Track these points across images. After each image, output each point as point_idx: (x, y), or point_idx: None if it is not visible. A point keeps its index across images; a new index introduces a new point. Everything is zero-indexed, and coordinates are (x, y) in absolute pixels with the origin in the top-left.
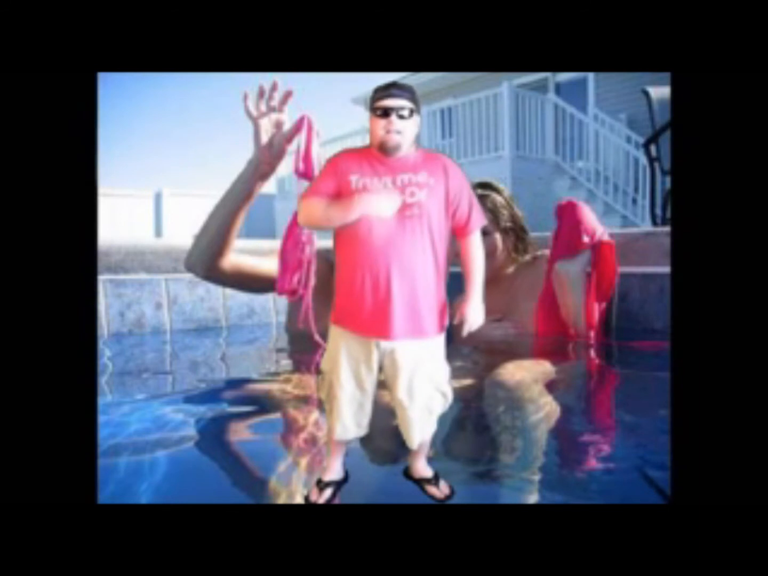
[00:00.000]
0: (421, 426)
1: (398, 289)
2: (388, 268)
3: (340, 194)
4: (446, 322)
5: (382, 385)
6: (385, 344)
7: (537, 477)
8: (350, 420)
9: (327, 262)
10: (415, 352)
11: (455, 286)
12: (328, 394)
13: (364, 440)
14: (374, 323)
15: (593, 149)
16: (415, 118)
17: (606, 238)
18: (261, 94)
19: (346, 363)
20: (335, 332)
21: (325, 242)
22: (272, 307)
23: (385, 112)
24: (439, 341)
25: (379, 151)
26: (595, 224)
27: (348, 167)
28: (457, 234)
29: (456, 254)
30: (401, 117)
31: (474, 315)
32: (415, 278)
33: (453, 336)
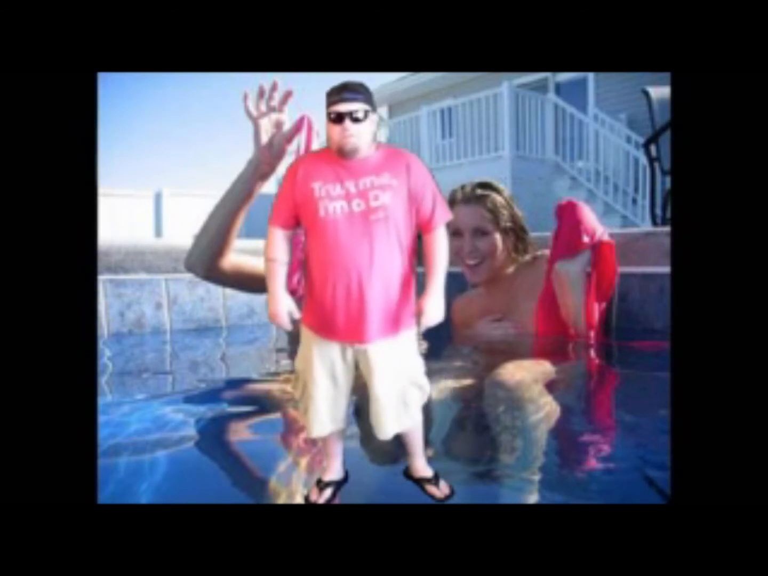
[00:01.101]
0: (393, 418)
1: (371, 294)
2: (359, 274)
3: (304, 204)
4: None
5: None
6: (358, 345)
7: (537, 477)
8: (326, 416)
9: None
10: (387, 349)
11: (455, 285)
12: (302, 393)
13: (364, 440)
14: (348, 329)
15: (593, 149)
16: (371, 118)
17: (606, 238)
18: (261, 94)
19: (320, 362)
20: (307, 333)
21: None
22: None
23: (339, 117)
24: (410, 335)
25: (338, 155)
26: (595, 224)
27: (309, 174)
28: (421, 229)
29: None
30: (356, 120)
31: (432, 310)
32: (386, 281)
33: (453, 336)
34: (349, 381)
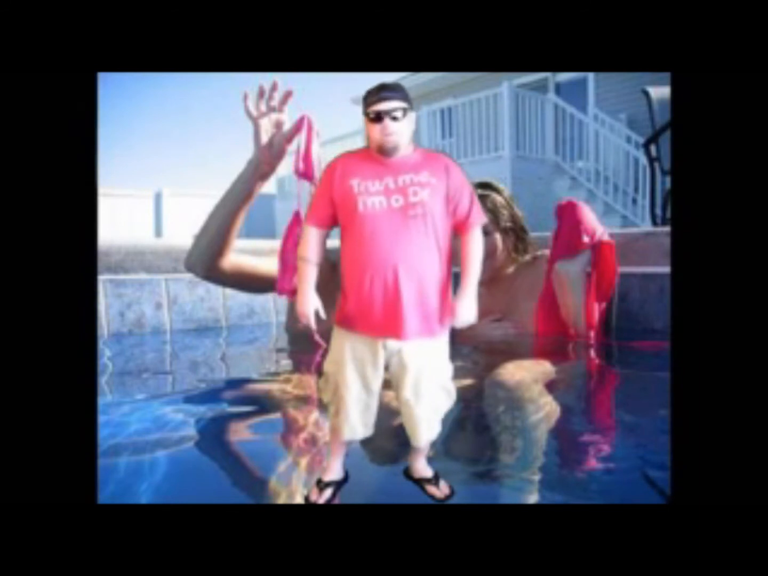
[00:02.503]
0: (428, 424)
1: (407, 289)
2: (395, 268)
3: (343, 201)
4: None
5: (383, 384)
6: (392, 344)
7: (537, 477)
8: (358, 421)
9: (328, 261)
10: (422, 351)
11: (455, 285)
12: (333, 395)
13: (364, 440)
14: (385, 324)
15: (593, 149)
16: (410, 117)
17: (606, 238)
18: (261, 94)
19: (352, 364)
20: (340, 333)
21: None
22: (272, 307)
23: (378, 116)
24: (445, 339)
25: (378, 153)
26: (595, 224)
27: (347, 172)
28: (458, 230)
29: (455, 252)
30: (395, 119)
31: (465, 311)
32: (422, 278)
33: (453, 336)
34: (379, 386)
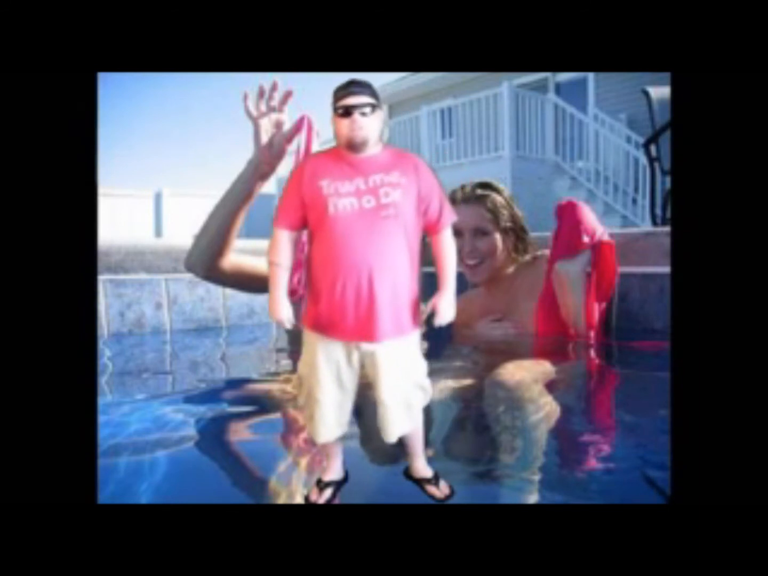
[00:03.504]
0: (400, 421)
1: (381, 291)
2: (370, 271)
3: (312, 202)
4: (421, 317)
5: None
6: (366, 345)
7: (537, 477)
8: (333, 421)
9: None
10: (395, 351)
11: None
12: (307, 398)
13: (364, 440)
14: (358, 328)
15: (593, 149)
16: (378, 114)
17: (606, 238)
18: (261, 94)
19: (326, 366)
20: (311, 336)
21: None
22: None
23: (347, 111)
24: (415, 337)
25: (347, 150)
26: (595, 224)
27: (316, 173)
28: (429, 231)
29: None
30: (363, 114)
31: (446, 308)
32: (395, 279)
33: (453, 336)
34: (354, 384)
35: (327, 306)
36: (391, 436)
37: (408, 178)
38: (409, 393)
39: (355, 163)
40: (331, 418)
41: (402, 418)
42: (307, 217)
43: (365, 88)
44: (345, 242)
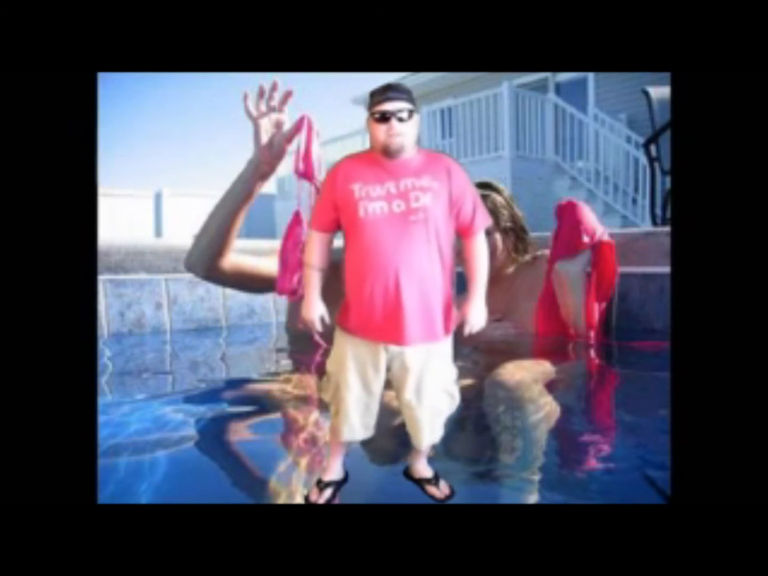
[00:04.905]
0: (430, 427)
1: (408, 295)
2: (396, 275)
3: (344, 206)
4: (454, 323)
5: (384, 385)
6: (394, 348)
7: (537, 477)
8: (357, 421)
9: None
10: (424, 354)
11: (461, 286)
12: (334, 395)
13: (364, 440)
14: (386, 330)
15: (593, 149)
16: (415, 119)
17: (606, 238)
18: (261, 94)
19: (353, 365)
20: (342, 334)
21: None
22: (272, 307)
23: (384, 117)
24: (448, 343)
25: (382, 155)
26: (595, 224)
27: (349, 176)
28: (461, 235)
29: (458, 254)
30: (401, 120)
31: (476, 316)
32: (424, 283)
33: (454, 336)
34: (380, 387)
35: (356, 307)
36: (423, 443)
37: (440, 181)
38: (437, 398)
39: (387, 167)
40: (354, 417)
41: (433, 424)
42: (340, 220)
43: (403, 93)
44: (374, 245)
